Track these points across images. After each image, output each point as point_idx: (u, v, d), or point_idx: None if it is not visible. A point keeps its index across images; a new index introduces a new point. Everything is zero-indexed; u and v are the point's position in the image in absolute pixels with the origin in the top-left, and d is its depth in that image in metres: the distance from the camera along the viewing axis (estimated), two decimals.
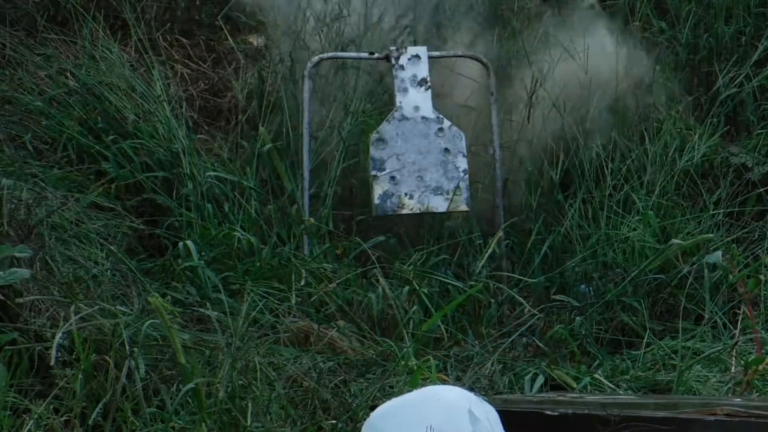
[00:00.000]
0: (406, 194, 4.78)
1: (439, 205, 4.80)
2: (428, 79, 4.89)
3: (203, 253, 4.27)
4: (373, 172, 4.79)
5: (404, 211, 4.79)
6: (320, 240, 4.61)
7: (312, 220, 4.56)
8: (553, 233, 4.88)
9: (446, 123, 4.86)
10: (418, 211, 4.79)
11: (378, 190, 4.78)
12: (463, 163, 4.83)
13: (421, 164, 4.81)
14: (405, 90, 4.87)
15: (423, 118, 4.85)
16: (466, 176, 4.82)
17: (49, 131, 4.79)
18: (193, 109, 5.31)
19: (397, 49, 4.92)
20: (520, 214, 5.06)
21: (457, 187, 4.78)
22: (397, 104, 4.86)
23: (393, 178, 4.78)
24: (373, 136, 4.80)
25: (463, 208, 4.81)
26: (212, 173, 4.74)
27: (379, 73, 5.27)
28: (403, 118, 4.84)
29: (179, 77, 5.38)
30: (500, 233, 4.73)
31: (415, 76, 4.89)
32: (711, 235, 4.62)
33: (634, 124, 5.30)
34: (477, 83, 5.19)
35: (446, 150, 4.83)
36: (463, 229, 4.88)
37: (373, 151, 4.80)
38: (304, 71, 4.94)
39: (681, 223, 4.90)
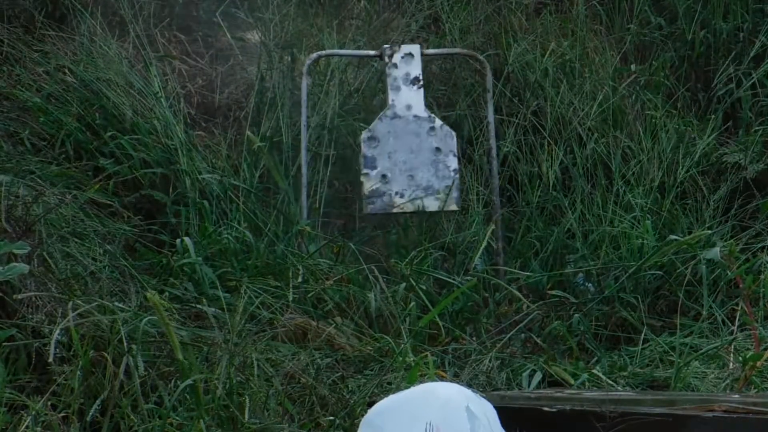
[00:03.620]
0: (396, 193, 4.78)
1: (431, 204, 4.80)
2: (421, 77, 4.88)
3: (202, 246, 4.27)
4: (364, 170, 4.79)
5: (395, 210, 4.79)
6: (316, 237, 4.61)
7: (308, 228, 4.54)
8: (551, 230, 4.88)
9: (438, 122, 4.86)
10: (408, 210, 4.79)
11: (368, 188, 4.78)
12: (453, 163, 4.83)
13: (412, 163, 4.81)
14: (398, 88, 4.87)
15: (415, 116, 4.85)
16: (457, 176, 4.82)
17: (46, 127, 4.79)
18: (191, 105, 5.31)
19: (390, 47, 4.92)
20: (518, 211, 5.06)
21: (448, 186, 4.78)
22: (390, 102, 4.85)
23: (384, 176, 4.78)
24: (365, 134, 4.80)
25: (453, 207, 4.82)
26: (206, 176, 4.73)
27: (377, 70, 5.27)
28: (395, 116, 4.84)
29: (177, 73, 5.38)
30: (492, 226, 4.73)
31: (408, 74, 4.89)
32: (708, 231, 4.62)
33: (633, 121, 5.30)
34: (473, 80, 5.20)
35: (437, 149, 4.83)
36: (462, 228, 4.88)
37: (365, 149, 4.80)
38: (303, 68, 4.94)
39: (680, 221, 4.90)
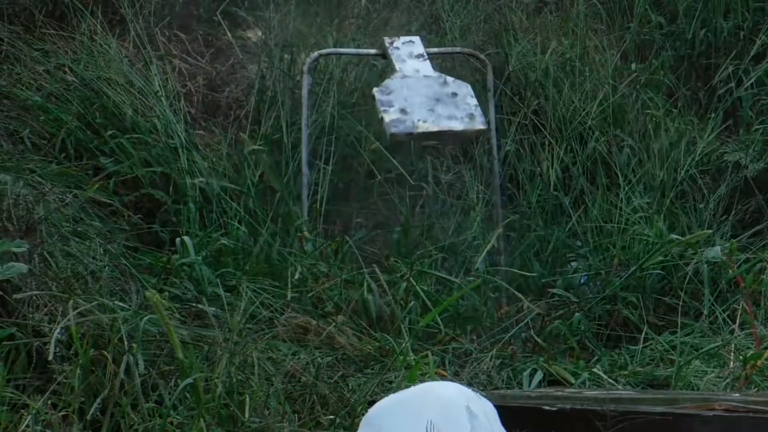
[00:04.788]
0: (419, 119, 4.57)
1: (455, 125, 4.57)
2: (424, 54, 4.85)
3: (202, 244, 4.27)
4: (383, 109, 4.60)
5: (420, 131, 4.54)
6: (316, 237, 4.61)
7: (308, 234, 4.53)
8: (552, 229, 4.88)
9: (449, 78, 4.78)
10: (433, 129, 4.55)
11: (389, 118, 4.57)
12: (473, 101, 4.65)
13: (430, 103, 4.64)
14: (403, 60, 4.83)
15: (425, 76, 4.78)
16: (478, 108, 4.65)
17: (47, 126, 4.79)
18: (191, 104, 5.31)
19: (390, 37, 4.92)
20: (519, 210, 5.07)
21: (471, 114, 4.64)
22: (398, 69, 4.80)
23: (403, 110, 4.60)
24: (377, 88, 4.70)
25: (480, 126, 4.60)
26: (201, 179, 4.72)
27: (377, 70, 5.27)
28: (405, 77, 4.77)
29: (177, 72, 5.38)
30: (500, 229, 4.72)
31: (411, 52, 4.87)
32: (709, 231, 4.62)
33: (633, 120, 5.30)
34: (474, 79, 5.19)
35: (454, 93, 4.71)
36: (463, 228, 4.88)
37: (379, 95, 4.64)
38: (303, 67, 4.94)
39: (680, 220, 4.90)
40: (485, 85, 5.07)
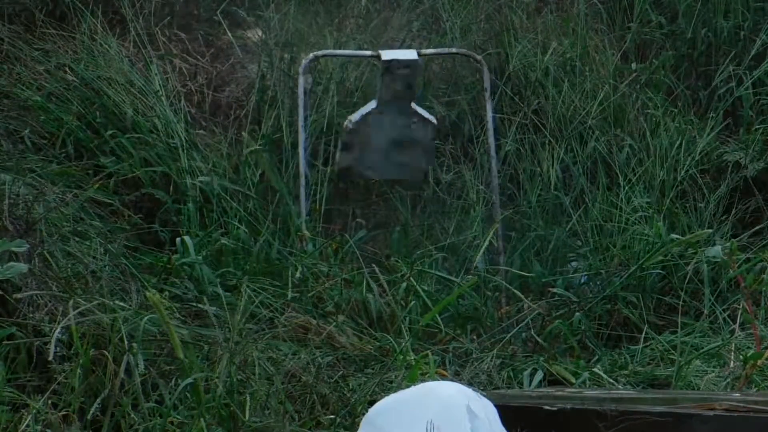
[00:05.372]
0: (368, 167, 4.93)
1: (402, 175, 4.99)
2: (413, 85, 4.90)
3: (203, 244, 4.27)
4: (340, 148, 4.93)
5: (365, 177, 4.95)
6: (316, 236, 4.61)
7: (308, 233, 4.53)
8: (552, 228, 4.88)
9: (418, 120, 4.90)
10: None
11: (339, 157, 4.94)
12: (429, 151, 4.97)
13: (389, 147, 4.93)
14: (388, 93, 4.89)
15: (400, 113, 4.89)
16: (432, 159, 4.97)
17: (47, 126, 4.79)
18: (192, 104, 5.31)
19: (388, 53, 4.91)
20: (520, 210, 5.06)
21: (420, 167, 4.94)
22: (377, 99, 4.89)
23: (357, 159, 4.92)
24: (349, 120, 4.86)
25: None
26: (202, 179, 4.72)
27: (376, 68, 5.27)
28: (381, 113, 4.88)
29: (177, 72, 5.38)
30: (496, 226, 4.73)
31: (404, 77, 4.89)
32: (710, 231, 4.62)
33: (633, 119, 5.30)
34: (474, 79, 5.20)
35: (414, 141, 4.93)
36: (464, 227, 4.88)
37: (346, 135, 4.91)
38: (300, 68, 4.94)
39: (680, 220, 4.90)
40: (482, 85, 5.08)
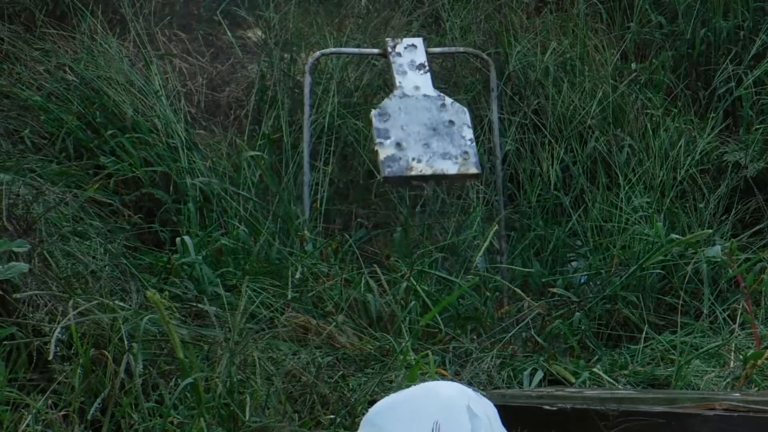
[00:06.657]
0: (413, 159, 4.61)
1: (449, 167, 4.61)
2: (426, 64, 4.84)
3: (203, 243, 4.27)
4: (378, 140, 4.64)
5: (412, 173, 4.60)
6: (317, 236, 4.61)
7: (308, 234, 4.52)
8: (553, 228, 4.88)
9: (448, 100, 4.77)
10: (427, 173, 4.61)
11: (383, 155, 4.61)
12: (469, 134, 4.70)
13: (426, 134, 4.68)
14: (404, 72, 4.82)
15: (425, 95, 4.77)
16: (473, 144, 4.68)
17: (47, 126, 4.79)
18: (192, 103, 5.31)
19: (392, 39, 4.90)
20: (520, 210, 5.07)
21: (466, 152, 4.66)
22: (397, 84, 4.79)
23: (399, 144, 4.63)
24: (375, 111, 4.70)
25: (474, 170, 4.63)
26: (201, 179, 4.72)
27: (379, 69, 5.27)
28: (404, 95, 4.75)
29: (177, 72, 5.38)
30: (495, 226, 4.72)
31: (413, 61, 4.86)
32: (710, 231, 4.62)
33: (633, 119, 5.30)
34: (474, 79, 5.19)
35: (451, 122, 4.72)
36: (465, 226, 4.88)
37: (377, 122, 4.65)
38: (305, 67, 4.93)
39: (680, 219, 4.90)
40: (485, 84, 5.07)
